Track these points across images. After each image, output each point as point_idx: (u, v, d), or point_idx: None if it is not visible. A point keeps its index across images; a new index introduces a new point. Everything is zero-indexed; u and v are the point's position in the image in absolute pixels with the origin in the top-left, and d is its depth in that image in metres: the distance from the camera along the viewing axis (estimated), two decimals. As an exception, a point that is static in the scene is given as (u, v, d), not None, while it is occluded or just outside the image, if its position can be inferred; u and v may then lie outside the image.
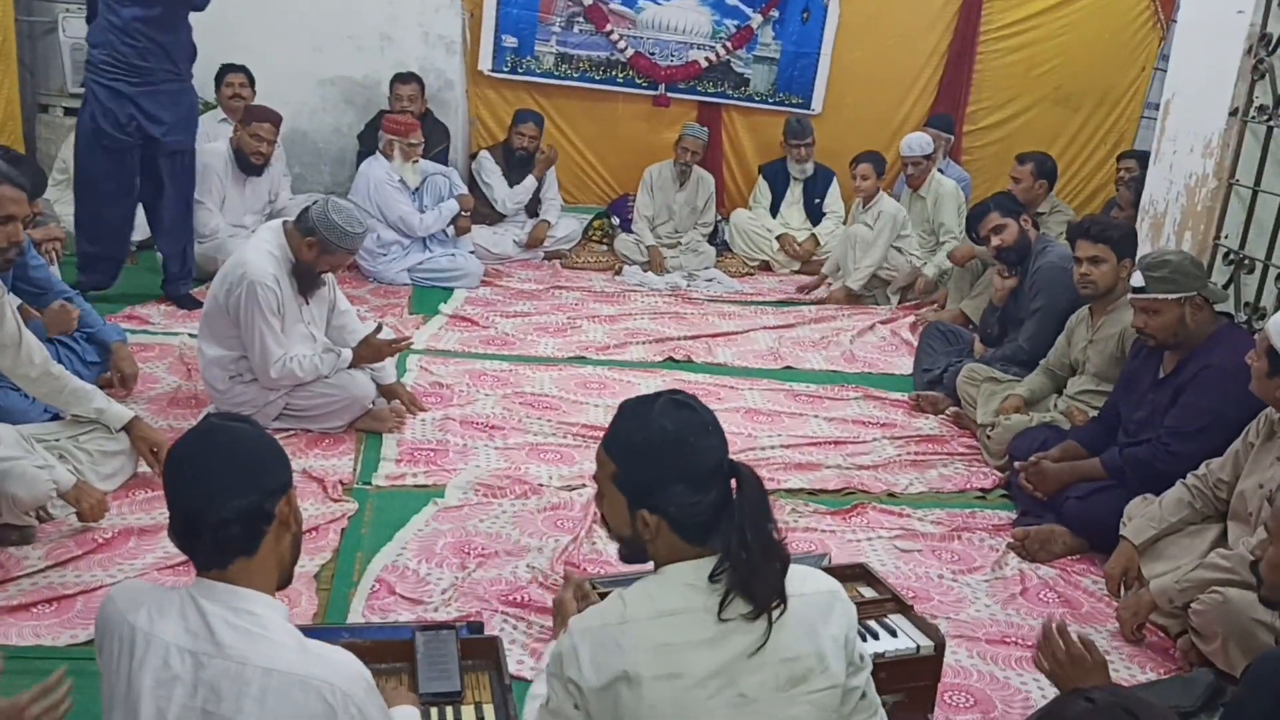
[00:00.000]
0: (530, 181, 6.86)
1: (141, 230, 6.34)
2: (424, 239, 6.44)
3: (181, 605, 1.78)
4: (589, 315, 6.06)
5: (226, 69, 6.51)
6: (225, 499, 1.77)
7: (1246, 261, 4.19)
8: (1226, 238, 4.29)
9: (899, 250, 6.74)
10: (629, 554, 2.01)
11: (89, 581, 3.12)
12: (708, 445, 1.87)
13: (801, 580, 1.90)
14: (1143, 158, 6.78)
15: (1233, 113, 4.23)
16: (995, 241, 5.05)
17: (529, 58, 7.49)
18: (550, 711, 1.88)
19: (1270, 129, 4.10)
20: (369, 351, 4.29)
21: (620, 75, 7.65)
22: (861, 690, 1.93)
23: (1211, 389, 3.55)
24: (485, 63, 7.44)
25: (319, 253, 4.06)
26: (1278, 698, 1.96)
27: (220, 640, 1.74)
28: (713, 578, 1.84)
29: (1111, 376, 4.18)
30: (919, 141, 6.87)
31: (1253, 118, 4.18)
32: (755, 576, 1.81)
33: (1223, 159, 4.27)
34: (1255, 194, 4.18)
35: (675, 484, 1.84)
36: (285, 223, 4.17)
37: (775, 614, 1.82)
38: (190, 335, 4.94)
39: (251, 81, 6.52)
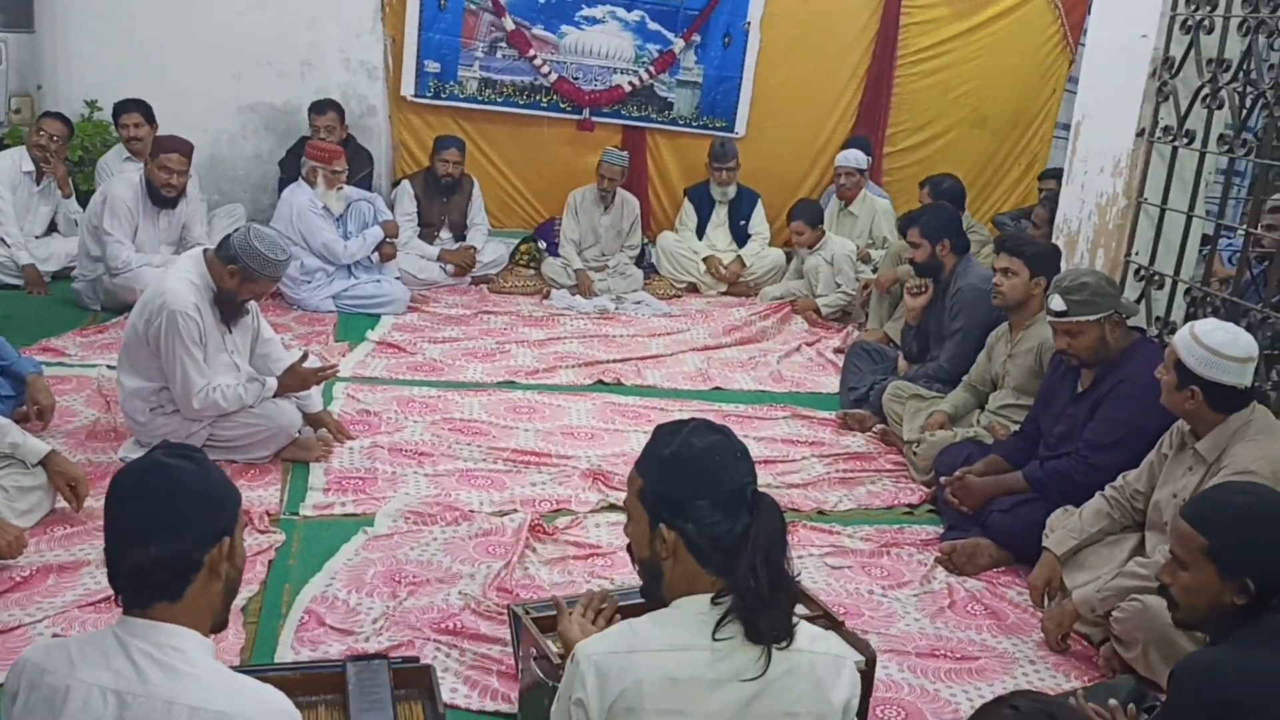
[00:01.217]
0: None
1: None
2: (349, 266, 6.38)
3: (103, 645, 1.74)
4: (518, 340, 6.06)
5: (121, 108, 6.39)
6: (148, 543, 1.72)
7: (1156, 277, 4.32)
8: (1137, 254, 4.42)
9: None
10: (647, 583, 1.98)
11: (6, 621, 3.03)
12: (733, 468, 1.88)
13: (813, 639, 1.90)
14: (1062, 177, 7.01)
15: (1139, 133, 4.37)
16: (908, 254, 5.23)
17: (452, 83, 7.49)
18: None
19: (1175, 149, 4.25)
20: (294, 380, 4.24)
21: (544, 100, 7.67)
22: None
23: (1127, 402, 3.65)
24: (408, 88, 7.42)
25: (241, 281, 4.00)
26: (1199, 698, 2.01)
27: (146, 678, 1.69)
28: (715, 601, 1.83)
29: (1031, 390, 4.28)
30: (854, 155, 7.14)
31: (1158, 138, 4.33)
32: (761, 606, 1.80)
33: (1131, 178, 4.40)
34: (1163, 212, 4.32)
35: (696, 500, 1.85)
36: (206, 251, 4.11)
37: (776, 647, 1.82)
38: (109, 367, 4.84)
39: (149, 118, 6.41)
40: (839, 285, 6.87)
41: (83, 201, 6.34)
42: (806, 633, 1.90)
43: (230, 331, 4.17)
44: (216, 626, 1.86)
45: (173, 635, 1.74)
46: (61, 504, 3.62)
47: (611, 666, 1.80)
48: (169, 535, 1.74)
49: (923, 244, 5.13)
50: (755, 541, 1.83)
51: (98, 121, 6.98)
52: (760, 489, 1.90)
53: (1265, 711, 1.95)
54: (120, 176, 5.90)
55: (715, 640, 1.81)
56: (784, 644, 1.83)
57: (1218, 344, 3.06)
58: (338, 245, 6.26)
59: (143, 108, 6.39)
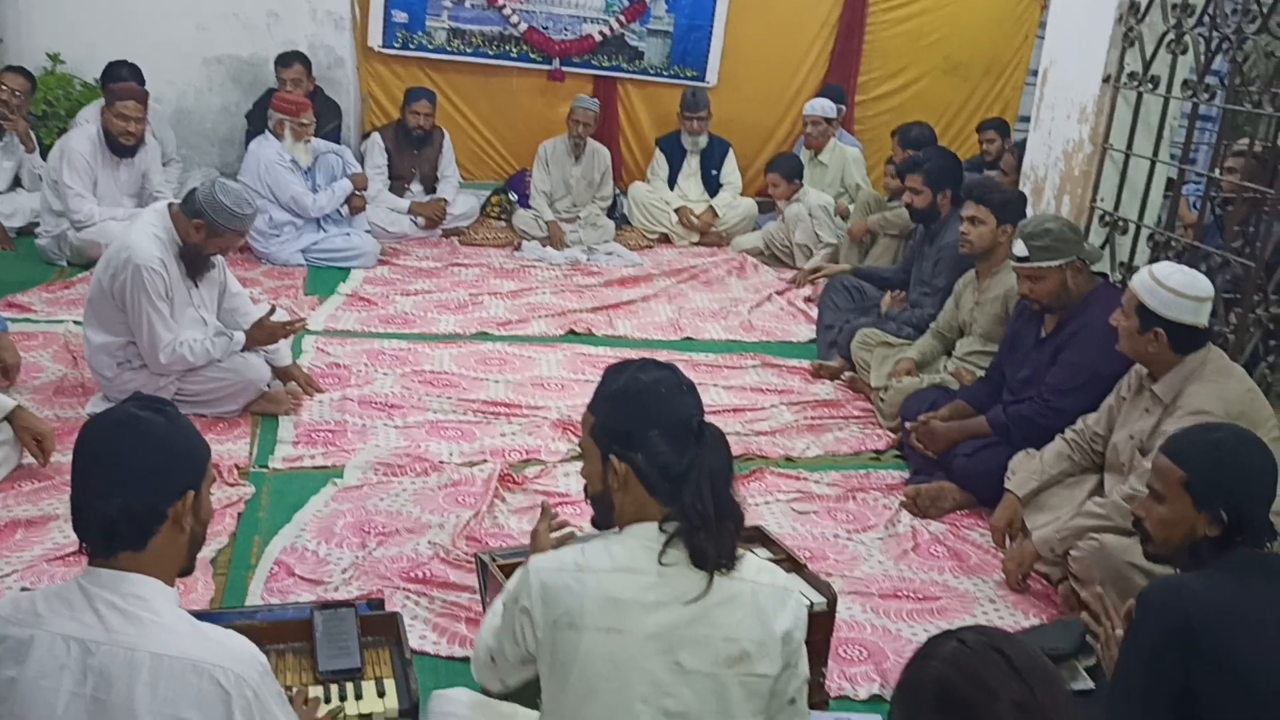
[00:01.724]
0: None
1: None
2: (318, 219, 6.34)
3: (68, 596, 1.75)
4: (490, 291, 6.05)
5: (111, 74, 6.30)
6: (113, 494, 1.74)
7: (1120, 223, 4.35)
8: (1102, 200, 4.45)
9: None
10: (599, 514, 2.03)
11: (-25, 576, 3.05)
12: (679, 400, 1.94)
13: (759, 570, 1.94)
14: (1001, 127, 7.03)
15: (1105, 79, 4.38)
16: (906, 198, 5.15)
17: (420, 33, 7.41)
18: (494, 631, 1.99)
19: (1140, 94, 4.26)
20: (262, 334, 4.23)
21: (514, 50, 7.61)
22: (791, 696, 1.95)
23: (1088, 347, 3.69)
24: (375, 39, 7.34)
25: (207, 235, 3.98)
26: (1161, 616, 2.06)
27: (109, 626, 1.70)
28: (662, 528, 1.88)
29: (997, 337, 4.32)
30: (823, 104, 7.15)
31: (1124, 84, 4.34)
32: (706, 531, 1.86)
33: (1097, 124, 4.42)
34: (1127, 158, 4.34)
35: (645, 430, 1.90)
36: (171, 204, 4.08)
37: (719, 573, 1.86)
38: (75, 323, 4.81)
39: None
40: (820, 239, 6.84)
41: (47, 156, 6.25)
42: (752, 564, 1.94)
43: (197, 286, 4.15)
44: (183, 572, 1.88)
45: (136, 584, 1.75)
46: (28, 459, 3.61)
47: (558, 583, 1.87)
48: (134, 487, 1.75)
49: (924, 191, 5.05)
50: (701, 469, 1.88)
51: (61, 75, 6.88)
52: (710, 423, 1.95)
53: (1216, 632, 2.00)
54: (77, 129, 5.82)
55: (661, 564, 1.86)
56: (726, 569, 1.87)
57: (1179, 285, 3.10)
58: (306, 198, 6.21)
59: (134, 73, 6.30)
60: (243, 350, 4.19)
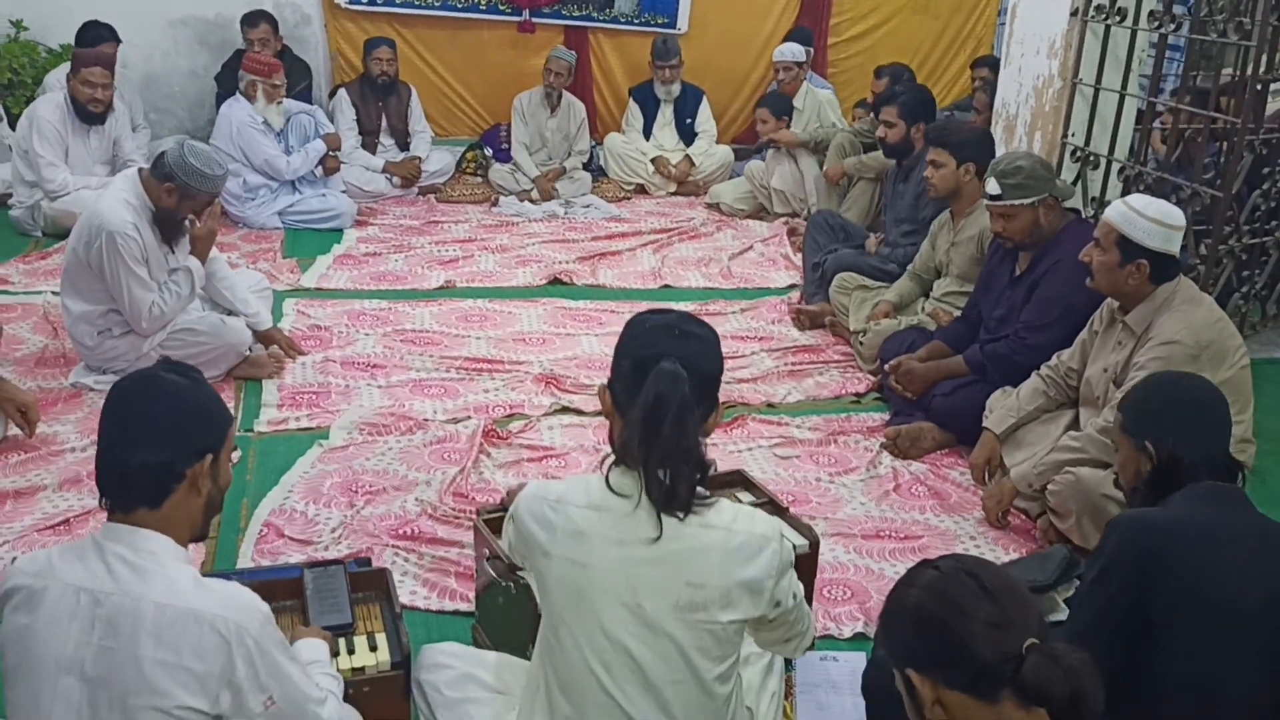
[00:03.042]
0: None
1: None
2: (293, 181, 6.30)
3: (82, 550, 1.82)
4: (481, 246, 6.05)
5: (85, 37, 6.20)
6: (133, 449, 1.80)
7: (1091, 158, 4.37)
8: (1073, 135, 4.46)
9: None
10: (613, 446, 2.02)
11: (-34, 548, 3.08)
12: (660, 339, 1.91)
13: (735, 517, 1.93)
14: (995, 65, 7.01)
15: (1073, 13, 4.38)
16: (880, 132, 5.15)
17: (387, -13, 7.32)
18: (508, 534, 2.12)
19: (1108, 27, 4.27)
20: (201, 243, 4.15)
21: (483, 2, 7.52)
22: (788, 616, 2.00)
23: (1061, 282, 3.73)
24: (342, -6, 7.26)
25: (179, 198, 3.96)
26: (1122, 539, 2.12)
27: (118, 578, 1.77)
28: (619, 461, 1.92)
29: (973, 277, 4.35)
30: (791, 49, 7.09)
31: (1092, 17, 4.34)
32: (646, 469, 1.86)
33: (1066, 59, 4.43)
34: (1097, 92, 4.36)
35: (620, 359, 1.95)
36: (141, 170, 4.06)
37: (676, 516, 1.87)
38: (54, 293, 4.79)
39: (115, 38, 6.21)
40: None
41: (15, 126, 6.19)
42: (728, 511, 1.94)
43: (173, 251, 4.14)
44: (196, 537, 1.94)
45: (148, 539, 1.81)
46: (14, 431, 3.63)
47: (537, 512, 1.96)
48: (153, 444, 1.81)
49: (899, 124, 5.04)
50: (641, 404, 1.85)
51: (25, 42, 6.78)
52: (671, 367, 1.87)
53: (1169, 553, 2.06)
54: (45, 96, 5.76)
55: (620, 497, 1.89)
56: (681, 515, 1.88)
57: (1158, 214, 3.14)
58: (280, 161, 6.17)
59: (112, 34, 6.21)
60: (192, 255, 4.15)
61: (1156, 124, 5.12)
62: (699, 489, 1.92)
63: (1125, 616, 2.09)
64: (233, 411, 3.98)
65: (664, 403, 1.85)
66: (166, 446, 1.82)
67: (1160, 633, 2.06)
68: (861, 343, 4.60)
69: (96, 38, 6.12)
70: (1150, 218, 3.13)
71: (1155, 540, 2.09)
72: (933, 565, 1.69)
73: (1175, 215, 3.16)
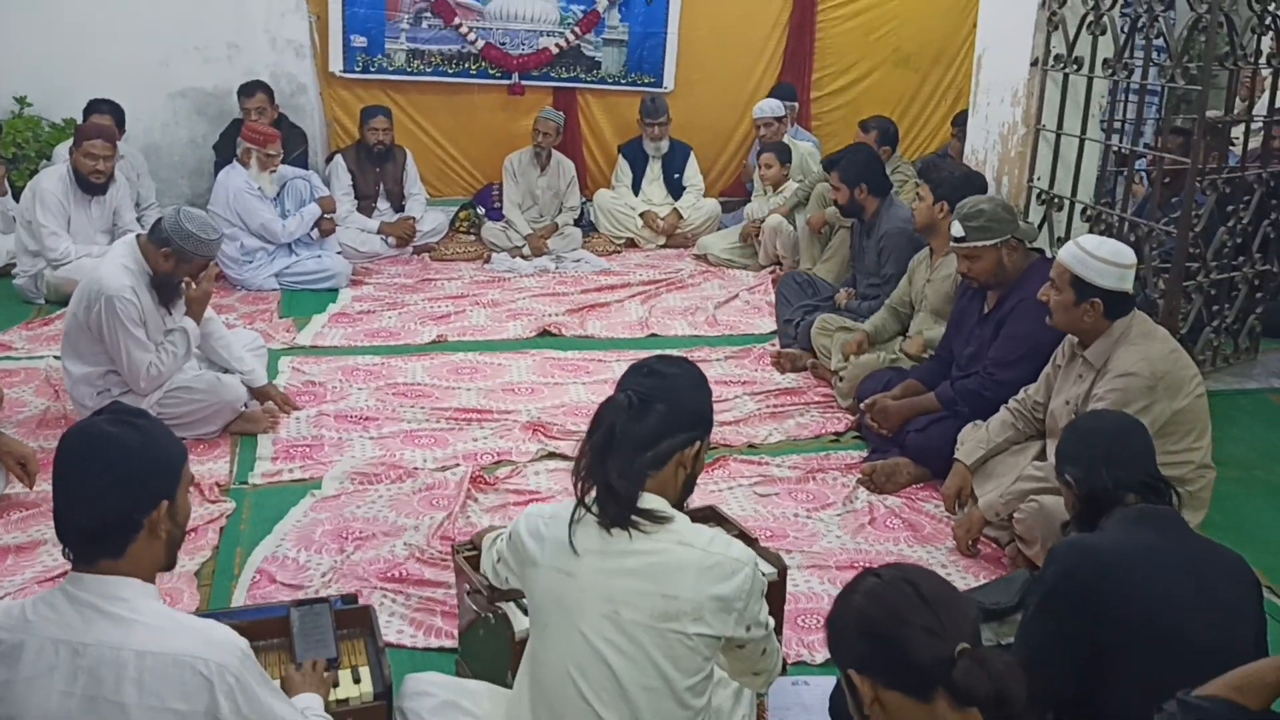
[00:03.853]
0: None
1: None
2: (289, 244, 6.46)
3: (53, 601, 1.86)
4: (473, 301, 6.21)
5: (91, 108, 6.43)
6: (88, 507, 1.84)
7: (1056, 200, 4.52)
8: (1039, 179, 4.62)
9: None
10: None
11: (-32, 601, 3.18)
12: (629, 376, 2.18)
13: (711, 540, 2.08)
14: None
15: (1033, 63, 4.56)
16: (831, 195, 5.37)
17: (380, 56, 7.56)
18: (498, 547, 2.35)
19: (1066, 75, 4.44)
20: (195, 305, 4.29)
21: (473, 67, 7.76)
22: (757, 646, 2.13)
23: (1027, 319, 3.85)
24: (336, 64, 7.49)
25: (176, 262, 4.11)
26: (1062, 567, 2.23)
27: (94, 628, 1.82)
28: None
29: (946, 314, 4.48)
30: (770, 105, 7.29)
31: (1051, 66, 4.52)
32: (592, 483, 2.06)
33: (1029, 106, 4.60)
34: (1059, 137, 4.52)
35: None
36: (139, 236, 4.22)
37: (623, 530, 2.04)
38: (55, 358, 4.93)
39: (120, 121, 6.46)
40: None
41: (19, 198, 6.38)
42: (706, 534, 2.10)
43: (170, 314, 4.28)
44: (166, 567, 1.98)
45: (117, 587, 1.85)
46: (16, 488, 3.74)
47: (531, 527, 2.16)
48: (107, 502, 1.84)
49: (842, 188, 5.27)
50: (589, 432, 2.10)
51: (29, 117, 7.00)
52: (622, 398, 2.11)
53: (1102, 575, 2.17)
54: (48, 169, 5.95)
55: (587, 514, 2.08)
56: (616, 530, 2.05)
57: (1109, 254, 3.26)
58: (275, 225, 6.34)
59: (112, 109, 6.43)
60: (188, 316, 4.29)
61: (1139, 166, 5.29)
62: (654, 509, 2.05)
63: (1070, 641, 2.18)
64: (229, 465, 4.12)
65: (600, 427, 2.09)
66: (119, 503, 1.84)
67: (1103, 653, 2.15)
68: (840, 379, 4.72)
69: (99, 113, 6.35)
70: (1101, 258, 3.26)
71: (1092, 566, 2.20)
72: (875, 574, 1.80)
73: (1125, 254, 3.28)
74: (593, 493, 2.07)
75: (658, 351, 5.21)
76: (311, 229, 6.53)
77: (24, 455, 3.65)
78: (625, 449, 2.04)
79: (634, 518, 2.04)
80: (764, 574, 2.81)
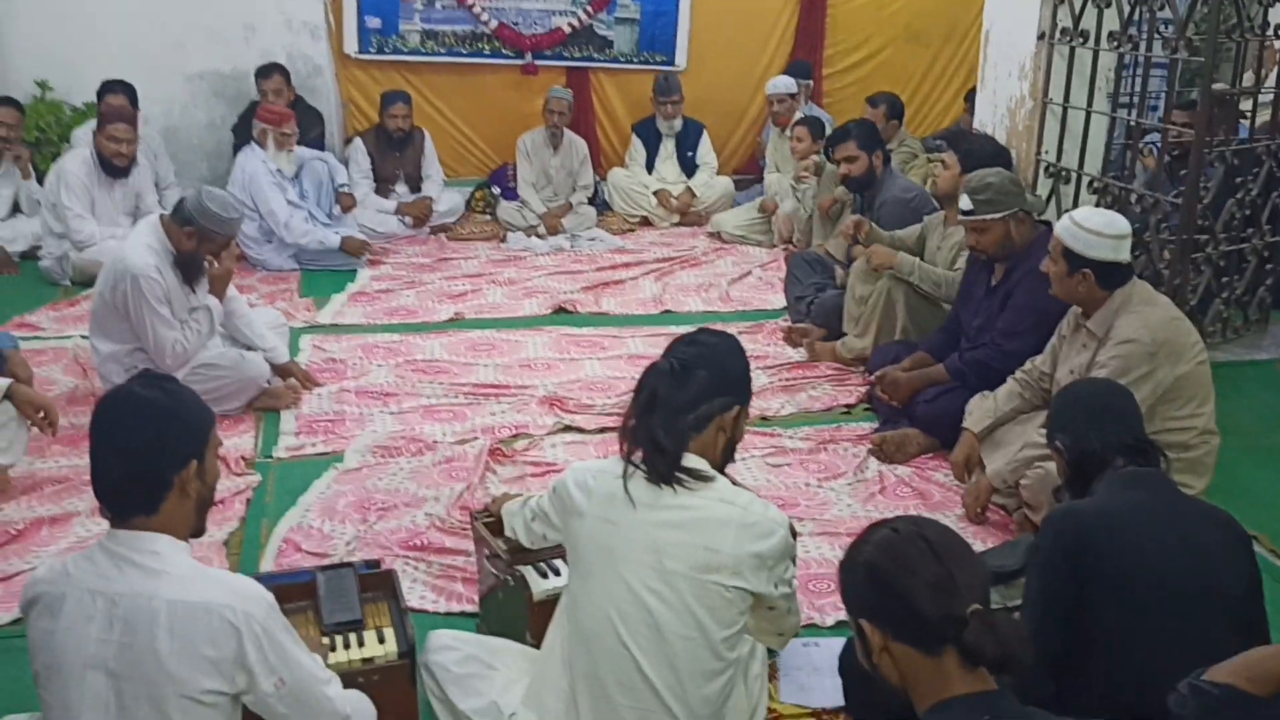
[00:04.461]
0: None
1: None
2: (307, 221, 6.50)
3: (92, 556, 1.99)
4: (490, 280, 6.30)
5: (105, 88, 6.53)
6: (122, 465, 1.96)
7: (1063, 173, 4.57)
8: (1046, 153, 4.66)
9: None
10: None
11: (6, 570, 3.30)
12: (674, 345, 2.31)
13: (750, 501, 2.21)
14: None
15: (1040, 36, 4.59)
16: (844, 169, 5.35)
17: (394, 37, 7.62)
18: (532, 506, 2.52)
19: (1073, 49, 4.48)
20: (217, 283, 4.40)
21: (487, 47, 7.82)
22: (770, 605, 2.24)
23: (1034, 291, 3.90)
24: (351, 46, 7.55)
25: (199, 241, 4.21)
26: (1057, 534, 2.30)
27: (129, 580, 1.93)
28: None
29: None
30: (783, 82, 7.36)
31: (1058, 39, 4.55)
32: (648, 443, 2.19)
33: (1036, 80, 4.65)
34: (1066, 110, 4.56)
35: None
36: (162, 216, 4.32)
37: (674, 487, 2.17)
38: (82, 336, 5.05)
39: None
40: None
41: (42, 181, 6.48)
42: (745, 495, 2.24)
43: (194, 292, 4.37)
44: (194, 533, 2.09)
45: (150, 540, 1.97)
46: (48, 464, 3.84)
47: (580, 479, 2.28)
48: (139, 459, 1.96)
49: (860, 156, 5.28)
50: (635, 395, 2.23)
51: (50, 101, 7.11)
52: (664, 364, 2.26)
53: (1096, 537, 2.25)
54: (72, 152, 6.06)
55: (636, 471, 2.21)
56: (663, 485, 2.17)
57: (1098, 226, 3.33)
58: (282, 215, 6.33)
59: (125, 89, 6.52)
60: (211, 295, 4.39)
61: (1148, 140, 5.31)
62: (697, 468, 2.19)
63: (1063, 598, 2.26)
64: (253, 440, 4.22)
65: (643, 391, 2.24)
66: (151, 460, 1.96)
67: (1096, 612, 2.23)
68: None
69: (114, 93, 6.45)
70: (1090, 229, 3.32)
71: (1083, 530, 2.28)
72: (890, 526, 1.84)
73: (1115, 225, 3.34)
74: (639, 453, 2.20)
75: (672, 327, 5.38)
76: (333, 205, 6.60)
77: (42, 404, 3.70)
78: (668, 411, 2.19)
79: (679, 474, 2.17)
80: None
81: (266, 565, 3.36)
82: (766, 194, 7.36)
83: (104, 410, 2.02)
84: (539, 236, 7.18)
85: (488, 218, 7.58)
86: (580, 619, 2.22)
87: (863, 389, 4.68)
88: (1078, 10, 4.39)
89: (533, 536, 2.58)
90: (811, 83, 7.92)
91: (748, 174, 8.16)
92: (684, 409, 2.21)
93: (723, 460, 2.32)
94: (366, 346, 5.22)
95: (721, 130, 8.11)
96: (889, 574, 1.75)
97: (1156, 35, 4.21)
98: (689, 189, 7.75)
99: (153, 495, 1.98)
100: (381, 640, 2.57)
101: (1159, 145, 5.20)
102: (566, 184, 7.54)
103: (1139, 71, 4.46)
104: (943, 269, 4.61)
